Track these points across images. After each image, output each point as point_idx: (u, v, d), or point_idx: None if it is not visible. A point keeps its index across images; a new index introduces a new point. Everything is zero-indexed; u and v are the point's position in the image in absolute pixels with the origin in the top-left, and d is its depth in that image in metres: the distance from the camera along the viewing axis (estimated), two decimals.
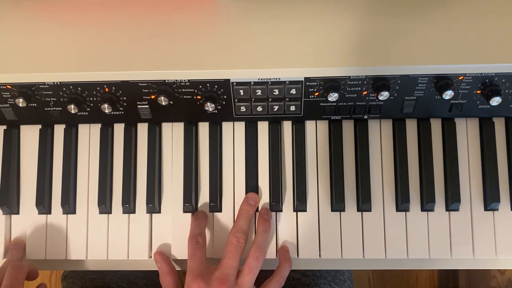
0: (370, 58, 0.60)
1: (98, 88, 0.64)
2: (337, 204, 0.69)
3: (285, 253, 0.69)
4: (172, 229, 0.70)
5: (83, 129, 0.72)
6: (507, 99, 0.65)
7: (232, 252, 0.64)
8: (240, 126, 0.71)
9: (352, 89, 0.64)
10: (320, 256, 0.69)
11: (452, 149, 0.69)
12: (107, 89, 0.64)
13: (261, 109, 0.68)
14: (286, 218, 0.70)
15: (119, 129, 0.72)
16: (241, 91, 0.64)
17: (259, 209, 0.70)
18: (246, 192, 0.70)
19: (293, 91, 0.64)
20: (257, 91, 0.64)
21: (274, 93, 0.65)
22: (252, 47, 0.62)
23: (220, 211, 0.70)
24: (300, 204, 0.69)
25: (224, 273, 0.63)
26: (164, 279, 0.67)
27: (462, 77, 0.62)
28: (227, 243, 0.66)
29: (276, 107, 0.67)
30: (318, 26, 0.63)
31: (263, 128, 0.71)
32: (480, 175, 0.69)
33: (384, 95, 0.62)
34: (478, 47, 0.60)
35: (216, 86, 0.64)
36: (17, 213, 0.71)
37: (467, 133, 0.70)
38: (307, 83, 0.64)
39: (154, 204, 0.70)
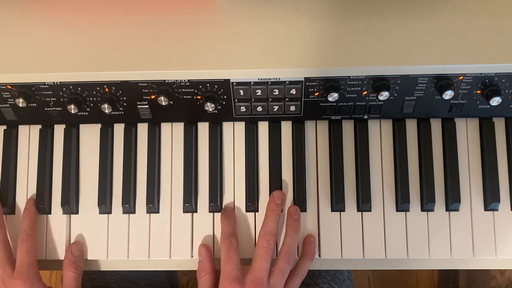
0: (370, 58, 0.60)
1: (98, 88, 0.64)
2: (337, 204, 0.69)
3: (310, 245, 0.68)
4: (172, 229, 0.70)
5: (83, 129, 0.72)
6: (507, 99, 0.65)
7: (263, 255, 0.65)
8: (240, 126, 0.71)
9: (352, 89, 0.64)
10: (320, 256, 0.69)
11: (452, 149, 0.69)
12: (107, 89, 0.64)
13: (261, 109, 0.68)
14: None
15: (119, 129, 0.72)
16: (241, 91, 0.64)
17: (288, 207, 0.69)
18: (246, 192, 0.70)
19: (293, 91, 0.64)
20: (257, 91, 0.64)
21: (274, 93, 0.65)
22: (252, 47, 0.62)
23: (220, 211, 0.70)
24: (300, 204, 0.69)
25: (257, 276, 0.63)
26: (203, 276, 0.67)
27: (462, 77, 0.62)
28: (257, 246, 0.66)
29: (276, 107, 0.67)
30: (318, 26, 0.63)
31: (263, 128, 0.71)
32: (480, 175, 0.69)
33: (384, 95, 0.62)
34: (478, 47, 0.60)
35: (216, 86, 0.64)
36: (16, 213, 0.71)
37: (467, 133, 0.70)
38: (307, 83, 0.64)
39: (154, 204, 0.70)
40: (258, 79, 0.63)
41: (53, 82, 0.63)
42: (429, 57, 0.60)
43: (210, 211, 0.70)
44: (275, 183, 0.70)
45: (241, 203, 0.70)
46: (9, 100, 0.66)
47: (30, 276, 0.65)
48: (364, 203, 0.68)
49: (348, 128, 0.71)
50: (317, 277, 0.83)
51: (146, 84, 0.64)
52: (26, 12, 0.66)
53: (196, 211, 0.70)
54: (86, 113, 0.69)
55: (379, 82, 0.62)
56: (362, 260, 0.69)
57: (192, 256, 0.69)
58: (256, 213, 0.70)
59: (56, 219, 0.71)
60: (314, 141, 0.71)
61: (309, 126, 0.71)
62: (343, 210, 0.69)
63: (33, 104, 0.67)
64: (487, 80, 0.62)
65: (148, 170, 0.71)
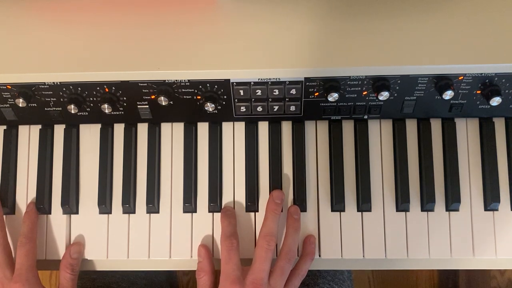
0: (370, 58, 0.60)
1: (98, 88, 0.64)
2: (337, 204, 0.69)
3: (310, 245, 0.68)
4: (172, 229, 0.70)
5: (83, 129, 0.72)
6: (507, 99, 0.65)
7: (263, 256, 0.65)
8: (240, 126, 0.71)
9: (352, 89, 0.64)
10: (320, 256, 0.69)
11: (452, 149, 0.69)
12: (107, 89, 0.64)
13: (261, 109, 0.68)
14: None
15: (119, 129, 0.72)
16: (241, 91, 0.64)
17: (288, 207, 0.69)
18: (246, 192, 0.70)
19: (293, 91, 0.64)
20: (257, 91, 0.64)
21: (274, 93, 0.65)
22: (252, 47, 0.62)
23: (220, 211, 0.70)
24: (300, 204, 0.69)
25: (258, 278, 0.63)
26: (202, 277, 0.67)
27: (462, 77, 0.62)
28: (258, 246, 0.66)
29: (276, 107, 0.67)
30: (318, 26, 0.63)
31: (263, 128, 0.71)
32: (480, 175, 0.69)
33: (384, 95, 0.62)
34: (478, 47, 0.60)
35: (216, 86, 0.64)
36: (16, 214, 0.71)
37: (467, 133, 0.70)
38: (307, 83, 0.64)
39: (154, 204, 0.70)
40: (258, 79, 0.63)
41: (53, 82, 0.63)
42: (429, 57, 0.60)
43: (210, 211, 0.70)
44: (275, 183, 0.70)
45: (241, 203, 0.70)
46: (9, 100, 0.66)
47: (29, 279, 0.65)
48: (364, 203, 0.68)
49: (348, 128, 0.71)
50: (317, 277, 0.83)
51: (146, 84, 0.64)
52: (26, 12, 0.66)
53: (196, 211, 0.70)
54: (86, 113, 0.69)
55: (379, 82, 0.62)
56: (362, 260, 0.69)
57: (192, 256, 0.69)
58: (256, 213, 0.70)
59: (56, 219, 0.71)
60: (314, 141, 0.71)
61: (309, 126, 0.71)
62: (343, 210, 0.69)
63: (33, 104, 0.67)
64: (487, 80, 0.62)
65: (148, 170, 0.71)
